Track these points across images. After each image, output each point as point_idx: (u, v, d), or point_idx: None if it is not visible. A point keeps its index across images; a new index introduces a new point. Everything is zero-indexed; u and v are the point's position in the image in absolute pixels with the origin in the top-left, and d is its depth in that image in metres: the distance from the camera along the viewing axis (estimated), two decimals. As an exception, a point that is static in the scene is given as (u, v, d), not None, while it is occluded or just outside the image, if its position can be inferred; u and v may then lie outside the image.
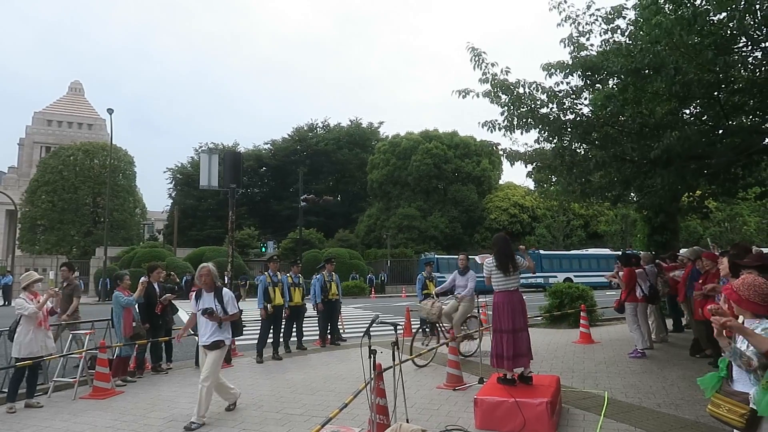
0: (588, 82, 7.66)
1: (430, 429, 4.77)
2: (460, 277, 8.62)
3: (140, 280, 8.21)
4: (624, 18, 7.30)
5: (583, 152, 9.08)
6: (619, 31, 7.31)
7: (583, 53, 7.64)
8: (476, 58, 7.73)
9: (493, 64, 7.77)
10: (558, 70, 7.63)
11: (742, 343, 2.90)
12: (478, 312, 8.75)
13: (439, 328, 8.55)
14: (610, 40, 7.46)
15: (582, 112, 8.17)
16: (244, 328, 9.04)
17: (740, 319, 3.10)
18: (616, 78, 7.27)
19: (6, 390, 6.92)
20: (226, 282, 11.57)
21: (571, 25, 7.66)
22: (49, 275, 33.43)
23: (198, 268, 5.92)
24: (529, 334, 5.81)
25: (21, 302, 6.43)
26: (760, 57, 6.85)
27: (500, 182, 53.54)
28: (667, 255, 11.02)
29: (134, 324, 7.81)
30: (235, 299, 5.95)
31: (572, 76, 7.67)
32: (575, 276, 31.25)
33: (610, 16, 7.23)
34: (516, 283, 5.75)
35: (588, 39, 7.69)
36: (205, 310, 5.58)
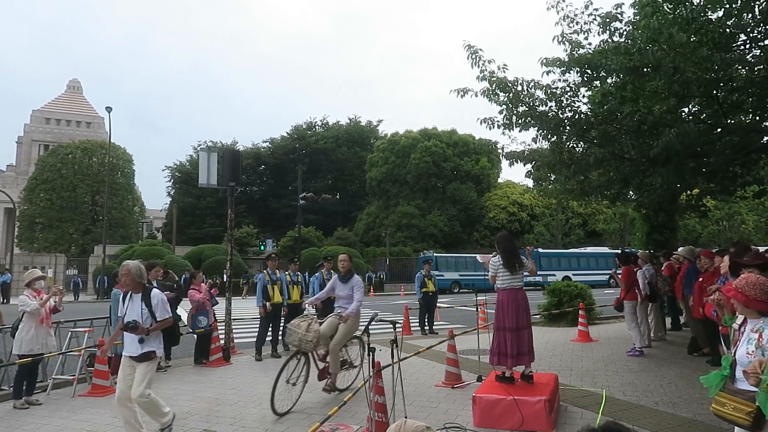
0: (585, 79, 7.65)
1: (429, 427, 4.77)
2: (342, 285, 6.57)
3: None
4: (621, 21, 7.29)
5: (581, 150, 9.08)
6: (616, 33, 7.31)
7: (581, 51, 7.63)
8: (473, 56, 7.70)
9: (490, 61, 7.75)
10: (555, 66, 7.62)
11: (749, 345, 2.89)
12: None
13: (313, 360, 6.25)
14: (608, 41, 7.45)
15: (580, 110, 8.17)
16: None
17: (740, 318, 3.10)
18: (614, 76, 7.27)
19: (5, 388, 6.94)
20: (225, 280, 11.61)
21: (569, 24, 7.65)
22: (48, 273, 33.42)
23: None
24: (532, 332, 5.82)
25: (24, 299, 6.46)
26: (759, 54, 6.85)
27: (499, 180, 53.59)
28: (661, 253, 11.05)
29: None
30: (168, 303, 5.10)
31: (570, 73, 7.66)
32: (574, 274, 31.29)
33: (606, 20, 7.22)
34: (521, 281, 5.75)
35: (587, 38, 7.68)
36: (127, 324, 4.75)
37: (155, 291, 5.00)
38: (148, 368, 4.87)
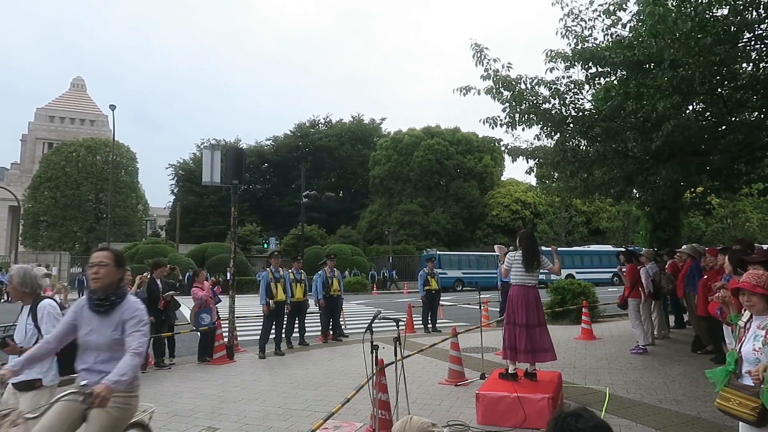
0: (589, 75, 7.64)
1: (432, 424, 4.77)
2: (97, 320, 3.15)
3: (141, 274, 8.25)
4: (625, 10, 7.29)
5: (584, 148, 9.06)
6: (620, 24, 7.30)
7: (585, 45, 7.63)
8: (478, 54, 7.71)
9: (495, 60, 7.76)
10: (560, 60, 7.61)
11: (755, 342, 2.88)
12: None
13: None
14: (614, 34, 7.44)
15: (584, 107, 8.15)
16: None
17: (746, 314, 3.09)
18: (618, 71, 7.26)
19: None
20: (228, 278, 11.63)
21: (573, 20, 7.64)
22: (53, 271, 33.56)
23: None
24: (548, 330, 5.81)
25: None
26: (765, 50, 6.80)
27: (502, 178, 53.55)
28: (665, 252, 11.03)
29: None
30: (59, 317, 3.79)
31: (573, 68, 7.66)
32: (577, 272, 31.22)
33: (611, 8, 7.22)
34: (535, 279, 5.76)
35: (591, 33, 7.67)
36: None
37: (44, 302, 3.90)
38: (35, 400, 3.52)
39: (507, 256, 5.92)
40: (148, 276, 8.38)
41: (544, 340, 5.64)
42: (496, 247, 7.08)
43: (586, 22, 7.59)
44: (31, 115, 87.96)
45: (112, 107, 31.29)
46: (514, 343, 5.56)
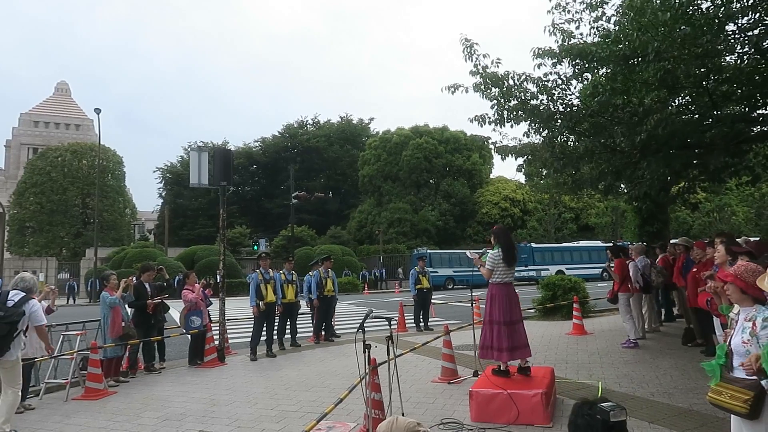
0: (577, 70, 7.67)
1: (426, 423, 4.76)
2: None
3: (126, 278, 8.13)
4: (607, 3, 7.35)
5: (572, 144, 9.10)
6: (604, 17, 7.35)
7: (572, 41, 7.66)
8: (468, 49, 7.72)
9: (484, 56, 7.78)
10: (548, 57, 7.64)
11: (743, 334, 2.89)
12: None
13: None
14: (600, 28, 7.48)
15: (571, 103, 8.18)
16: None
17: (735, 308, 3.10)
18: (605, 67, 7.30)
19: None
20: (218, 281, 11.54)
21: (561, 13, 7.69)
22: (39, 277, 33.15)
23: None
24: (524, 326, 5.83)
25: None
26: (743, 40, 6.85)
27: (491, 176, 53.75)
28: (657, 245, 11.10)
29: (123, 324, 7.72)
30: None
31: (561, 64, 7.68)
32: (567, 268, 31.38)
33: (595, 2, 7.26)
34: (513, 276, 5.77)
35: (578, 27, 7.71)
36: None
37: None
38: None
39: (489, 257, 5.73)
40: (135, 279, 8.28)
41: (524, 336, 5.64)
42: (468, 252, 6.87)
43: (572, 16, 7.63)
44: (14, 120, 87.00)
45: (98, 111, 30.97)
46: (499, 343, 5.47)
